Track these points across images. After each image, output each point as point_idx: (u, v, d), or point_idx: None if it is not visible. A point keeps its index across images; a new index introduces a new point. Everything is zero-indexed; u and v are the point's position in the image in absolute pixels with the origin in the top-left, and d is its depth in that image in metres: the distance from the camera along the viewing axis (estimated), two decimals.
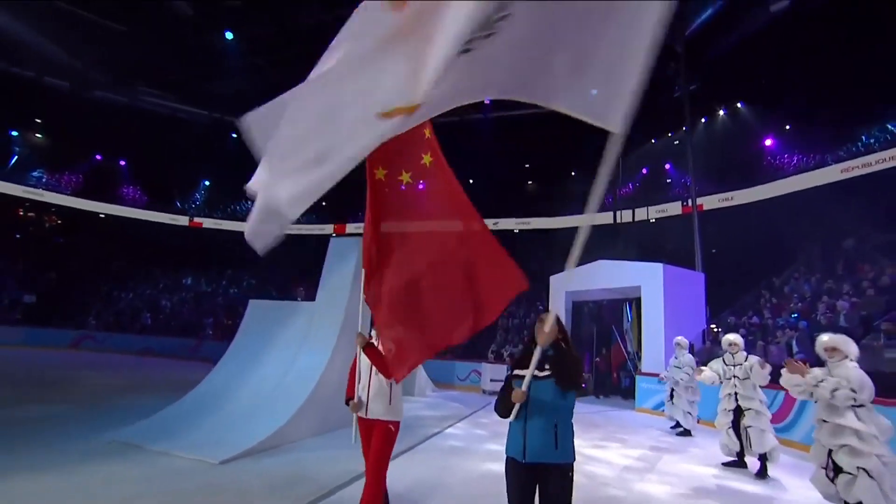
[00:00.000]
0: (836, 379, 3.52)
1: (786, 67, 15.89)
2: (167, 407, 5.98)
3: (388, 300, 2.77)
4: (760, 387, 5.16)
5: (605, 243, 17.84)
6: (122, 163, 26.38)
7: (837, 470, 3.53)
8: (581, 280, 12.74)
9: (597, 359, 13.06)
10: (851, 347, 3.67)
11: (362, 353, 2.98)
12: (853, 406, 3.50)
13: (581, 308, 13.76)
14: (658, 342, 9.87)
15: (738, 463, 5.28)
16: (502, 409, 2.36)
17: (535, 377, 2.25)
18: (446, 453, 5.59)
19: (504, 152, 23.11)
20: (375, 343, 3.01)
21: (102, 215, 24.71)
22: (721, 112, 18.70)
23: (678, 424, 7.34)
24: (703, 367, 5.68)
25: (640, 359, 10.55)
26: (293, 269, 23.17)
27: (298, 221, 25.64)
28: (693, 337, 9.84)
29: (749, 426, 5.07)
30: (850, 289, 9.85)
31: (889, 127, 14.37)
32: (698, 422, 7.38)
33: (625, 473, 5.02)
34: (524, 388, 2.24)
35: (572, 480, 2.21)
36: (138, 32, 17.02)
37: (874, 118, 14.70)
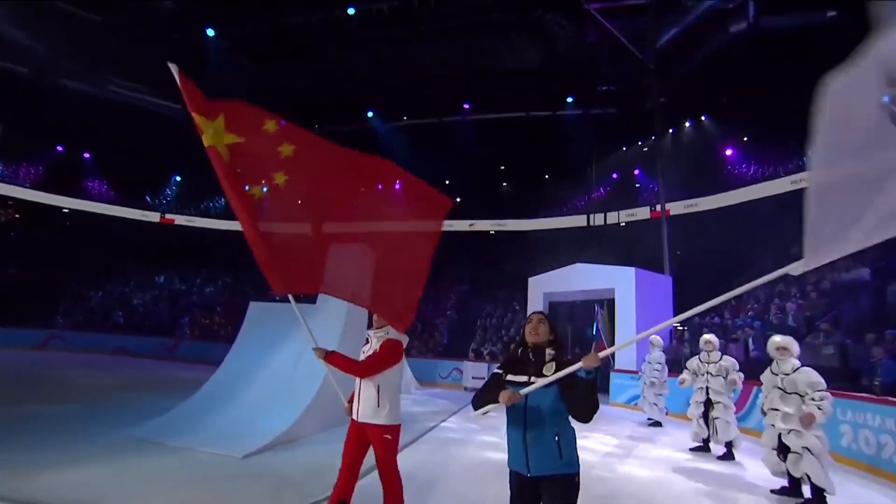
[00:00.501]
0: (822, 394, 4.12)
1: (744, 84, 17.15)
2: (178, 405, 6.22)
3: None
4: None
5: (580, 245, 18.80)
6: (87, 155, 25.44)
7: (786, 450, 4.26)
8: (559, 282, 13.52)
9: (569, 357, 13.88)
10: (794, 347, 4.43)
11: (362, 355, 3.01)
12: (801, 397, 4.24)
13: (557, 308, 14.54)
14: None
15: (704, 448, 6.04)
16: (479, 402, 2.27)
17: (531, 384, 2.14)
18: (446, 444, 6.10)
19: (481, 154, 23.65)
20: (369, 340, 3.05)
21: (66, 210, 23.80)
22: (687, 124, 19.93)
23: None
24: (685, 375, 6.32)
25: (613, 356, 11.37)
26: None
27: None
28: (661, 335, 10.71)
29: (717, 417, 5.82)
30: (797, 292, 10.96)
31: None
32: (667, 414, 8.18)
33: (607, 458, 5.67)
34: (522, 392, 2.13)
35: (578, 488, 2.14)
36: (115, 23, 16.61)
37: None
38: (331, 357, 2.86)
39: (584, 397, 2.09)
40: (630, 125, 19.92)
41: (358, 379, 2.93)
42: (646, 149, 21.32)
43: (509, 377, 2.21)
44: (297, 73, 20.05)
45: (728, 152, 19.55)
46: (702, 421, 5.97)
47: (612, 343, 11.33)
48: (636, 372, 9.25)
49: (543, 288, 13.92)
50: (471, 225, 24.07)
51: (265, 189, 3.10)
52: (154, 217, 24.48)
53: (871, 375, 5.97)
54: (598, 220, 21.94)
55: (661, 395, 8.03)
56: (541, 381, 2.11)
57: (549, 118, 21.69)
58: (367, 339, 3.10)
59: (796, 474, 4.21)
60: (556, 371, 2.14)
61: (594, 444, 6.44)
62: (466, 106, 21.79)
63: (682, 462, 5.63)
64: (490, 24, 17.10)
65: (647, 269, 12.52)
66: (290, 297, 2.98)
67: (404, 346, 3.05)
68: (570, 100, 20.89)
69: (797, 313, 9.82)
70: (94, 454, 4.56)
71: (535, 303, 13.77)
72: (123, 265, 22.64)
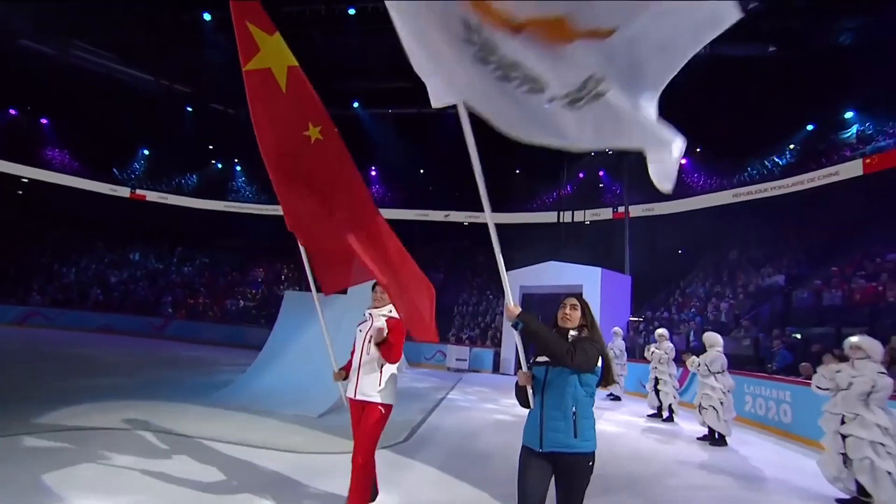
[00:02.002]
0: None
1: (699, 104, 19.59)
2: (237, 378, 7.60)
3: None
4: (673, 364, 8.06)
5: (550, 240, 20.94)
6: (45, 121, 24.64)
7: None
8: (533, 277, 15.52)
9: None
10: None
11: (358, 332, 3.08)
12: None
13: (530, 299, 16.59)
14: None
15: (657, 415, 8.15)
16: (521, 399, 2.32)
17: (548, 363, 2.22)
18: (458, 410, 7.86)
19: (458, 148, 25.00)
20: (369, 319, 3.08)
21: (25, 180, 23.18)
22: None
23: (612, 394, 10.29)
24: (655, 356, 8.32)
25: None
26: (248, 249, 23.73)
27: (253, 201, 25.88)
28: (621, 327, 12.96)
29: (662, 390, 7.94)
30: (729, 292, 13.51)
31: (767, 164, 18.62)
32: (625, 392, 10.37)
33: None
34: (524, 369, 2.26)
35: (591, 472, 2.17)
36: None
37: (759, 154, 18.87)
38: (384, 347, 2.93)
39: (535, 346, 2.23)
40: None
41: (359, 356, 2.99)
42: (610, 152, 23.64)
43: (538, 359, 2.29)
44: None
45: (682, 162, 22.20)
46: (654, 394, 8.07)
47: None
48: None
49: (518, 281, 15.87)
50: (446, 216, 25.65)
51: (321, 135, 2.79)
52: (123, 192, 24.30)
53: (771, 361, 8.29)
54: (566, 217, 24.17)
55: (621, 375, 10.16)
56: (518, 346, 2.32)
57: None
58: (367, 317, 3.10)
59: (715, 426, 6.29)
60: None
61: None
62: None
63: (639, 423, 7.71)
64: None
65: (608, 267, 14.71)
66: (312, 286, 3.10)
67: None
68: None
69: (728, 311, 12.29)
70: (209, 414, 5.92)
71: (510, 294, 15.70)
72: (93, 241, 22.56)
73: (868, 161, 14.10)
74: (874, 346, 4.27)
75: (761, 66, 16.87)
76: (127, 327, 16.71)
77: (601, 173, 25.14)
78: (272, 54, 2.69)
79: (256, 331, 15.07)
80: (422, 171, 26.65)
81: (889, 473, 3.91)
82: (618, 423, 7.56)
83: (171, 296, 18.90)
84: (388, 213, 24.84)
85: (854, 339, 4.41)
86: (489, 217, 2.46)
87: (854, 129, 15.69)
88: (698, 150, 21.82)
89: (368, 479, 2.94)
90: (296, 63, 2.74)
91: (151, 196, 24.56)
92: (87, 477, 3.47)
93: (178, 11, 17.23)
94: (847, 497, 4.23)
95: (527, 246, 18.32)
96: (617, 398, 10.06)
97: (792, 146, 17.98)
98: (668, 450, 6.08)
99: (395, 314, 3.01)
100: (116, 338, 15.40)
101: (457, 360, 14.67)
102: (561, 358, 2.13)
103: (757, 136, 18.18)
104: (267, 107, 2.71)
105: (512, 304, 2.26)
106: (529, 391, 2.24)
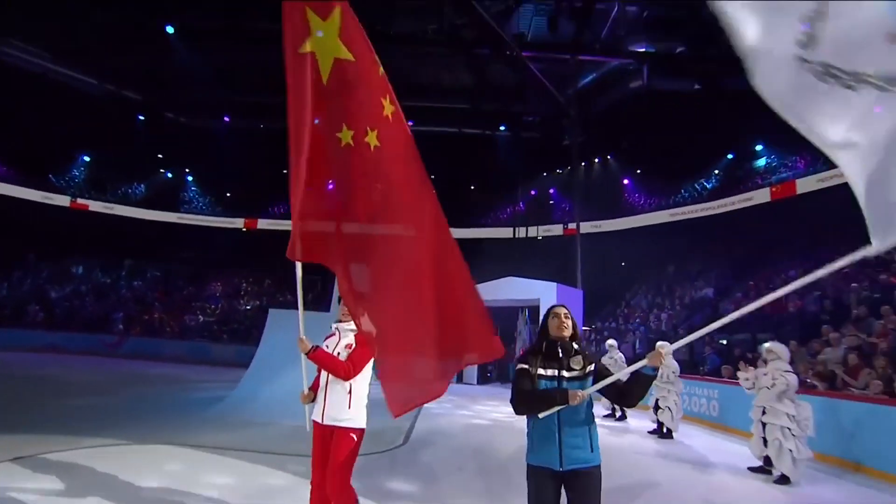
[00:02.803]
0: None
1: (640, 130, 21.80)
2: (230, 394, 8.02)
3: (382, 304, 2.50)
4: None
5: (505, 255, 22.28)
6: None
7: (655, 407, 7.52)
8: (492, 291, 16.54)
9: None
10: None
11: (324, 348, 2.78)
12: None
13: (489, 311, 17.71)
14: None
15: (611, 415, 9.36)
16: (533, 406, 2.22)
17: (563, 377, 2.21)
18: (438, 417, 8.69)
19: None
20: (336, 333, 2.85)
21: None
22: (596, 160, 24.46)
23: None
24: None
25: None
26: (201, 262, 23.28)
27: (207, 213, 25.45)
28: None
29: None
30: (668, 304, 15.32)
31: (696, 187, 21.05)
32: None
33: None
34: (587, 392, 2.17)
35: (601, 480, 2.19)
36: None
37: (690, 178, 21.28)
38: (314, 353, 2.67)
39: (642, 390, 2.22)
40: (550, 154, 23.88)
41: (324, 378, 2.74)
42: (559, 171, 25.55)
43: (539, 371, 2.24)
44: (250, 62, 20.29)
45: (625, 181, 24.44)
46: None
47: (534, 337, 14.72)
48: None
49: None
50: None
51: (352, 141, 2.52)
52: (62, 201, 23.06)
53: (703, 364, 9.85)
54: (521, 232, 25.72)
55: None
56: (608, 380, 2.18)
57: (479, 136, 24.89)
58: (334, 332, 2.88)
59: (667, 423, 7.54)
60: (584, 364, 2.25)
61: None
62: (411, 123, 23.93)
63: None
64: (431, 53, 19.55)
65: (561, 281, 16.13)
66: (299, 282, 2.62)
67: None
68: (502, 128, 24.25)
69: (668, 321, 14.01)
70: (205, 428, 6.39)
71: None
72: (25, 254, 21.25)
73: (774, 189, 16.54)
74: (782, 350, 5.47)
75: (690, 99, 19.21)
76: (77, 346, 16.03)
77: (551, 191, 27.01)
78: (323, 41, 2.44)
79: (221, 347, 15.10)
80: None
81: (790, 451, 5.13)
82: None
83: (123, 311, 18.28)
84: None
85: (767, 344, 5.69)
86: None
87: (763, 160, 18.28)
88: (638, 171, 24.23)
89: None
90: (348, 56, 2.44)
91: (95, 206, 23.49)
92: (152, 488, 4.02)
93: (141, 22, 17.01)
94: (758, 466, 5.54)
95: (485, 261, 19.46)
96: (623, 417, 9.26)
97: (717, 171, 20.49)
98: (623, 442, 7.28)
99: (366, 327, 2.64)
100: (68, 357, 14.82)
101: None
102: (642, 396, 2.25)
103: (689, 161, 20.52)
104: (304, 95, 2.43)
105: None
106: (554, 409, 2.15)
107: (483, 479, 4.91)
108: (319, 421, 2.72)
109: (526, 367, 2.29)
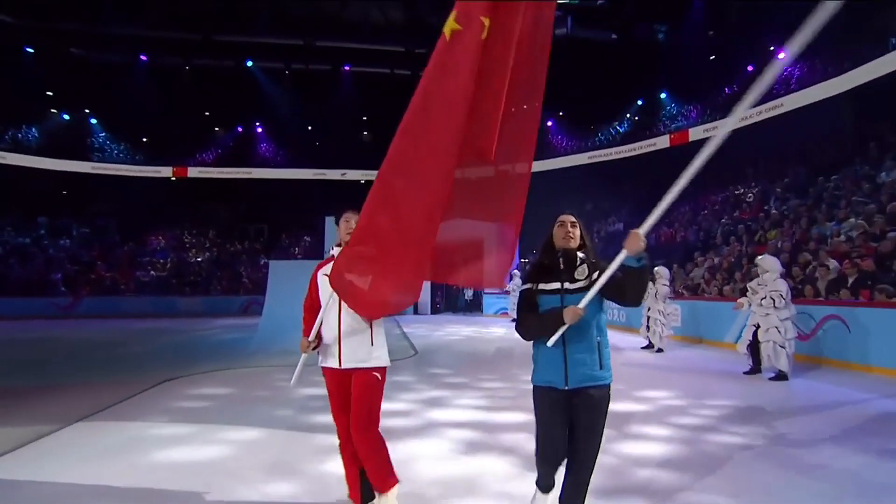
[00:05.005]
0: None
1: (561, 77, 24.41)
2: (253, 337, 10.04)
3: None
4: None
5: None
6: None
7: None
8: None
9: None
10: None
11: (326, 285, 2.49)
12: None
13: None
14: None
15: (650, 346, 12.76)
16: (536, 332, 2.17)
17: (567, 290, 2.12)
18: (423, 337, 11.38)
19: (352, 107, 26.49)
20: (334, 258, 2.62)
21: None
22: None
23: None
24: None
25: None
26: (129, 216, 22.98)
27: (128, 163, 24.62)
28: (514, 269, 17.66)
29: None
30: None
31: (611, 131, 24.64)
32: None
33: (501, 336, 11.87)
34: (582, 305, 2.02)
35: (610, 399, 2.14)
36: None
37: (606, 123, 24.69)
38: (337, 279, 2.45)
39: (635, 283, 2.07)
40: None
41: (337, 314, 2.52)
42: None
43: (540, 286, 2.19)
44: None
45: (549, 123, 27.41)
46: None
47: None
48: (505, 292, 15.91)
49: None
50: (343, 174, 27.58)
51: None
52: None
53: None
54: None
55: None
56: (595, 287, 2.03)
57: (410, 77, 26.06)
58: (332, 257, 2.64)
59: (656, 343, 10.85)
60: (589, 274, 2.13)
61: (494, 330, 12.67)
62: (347, 68, 24.50)
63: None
64: None
65: None
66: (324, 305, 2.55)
67: None
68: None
69: None
70: (264, 355, 8.46)
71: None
72: None
73: (672, 136, 20.42)
74: (771, 263, 6.16)
75: (606, 48, 22.17)
76: (21, 311, 15.92)
77: None
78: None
79: (187, 300, 16.27)
80: (310, 127, 27.75)
81: (783, 347, 5.91)
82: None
83: (62, 272, 18.32)
84: (284, 173, 25.97)
85: (758, 259, 6.53)
86: None
87: (665, 109, 22.09)
88: (561, 114, 27.21)
89: (382, 451, 2.48)
90: (455, 26, 2.20)
91: None
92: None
93: None
94: (748, 370, 6.45)
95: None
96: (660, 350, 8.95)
97: (628, 116, 24.10)
98: (620, 357, 7.75)
99: None
100: (20, 323, 14.46)
101: None
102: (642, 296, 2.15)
103: (604, 107, 23.81)
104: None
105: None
106: (561, 330, 2.05)
107: (497, 364, 7.64)
108: (336, 366, 2.50)
109: (528, 286, 2.25)
